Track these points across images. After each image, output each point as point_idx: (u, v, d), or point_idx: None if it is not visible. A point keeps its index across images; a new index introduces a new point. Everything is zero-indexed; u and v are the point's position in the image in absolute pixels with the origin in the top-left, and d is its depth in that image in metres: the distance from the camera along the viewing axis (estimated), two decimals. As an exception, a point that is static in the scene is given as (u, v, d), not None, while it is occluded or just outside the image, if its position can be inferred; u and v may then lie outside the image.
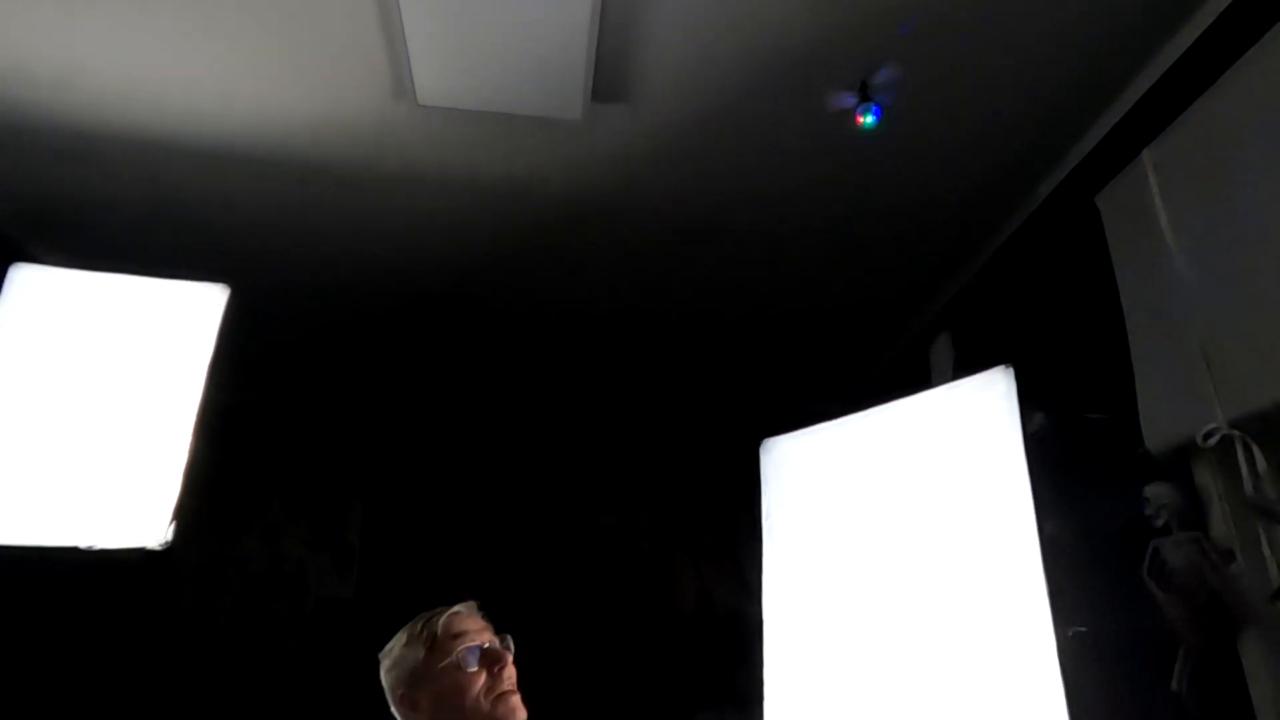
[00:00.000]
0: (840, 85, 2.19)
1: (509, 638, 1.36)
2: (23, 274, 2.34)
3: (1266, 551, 1.81)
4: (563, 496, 4.35)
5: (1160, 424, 2.00)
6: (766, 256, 3.00)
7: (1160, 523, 2.00)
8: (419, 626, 1.34)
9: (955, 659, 1.74)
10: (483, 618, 1.37)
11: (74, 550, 2.19)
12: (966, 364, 2.50)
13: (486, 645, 1.30)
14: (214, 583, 4.04)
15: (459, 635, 1.30)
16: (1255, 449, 1.79)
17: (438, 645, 1.29)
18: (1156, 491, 2.01)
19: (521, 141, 2.43)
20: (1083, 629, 1.97)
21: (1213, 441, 1.84)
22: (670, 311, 3.44)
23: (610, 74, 2.18)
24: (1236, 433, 1.81)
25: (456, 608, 1.36)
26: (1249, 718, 1.79)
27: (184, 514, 2.24)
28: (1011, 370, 1.73)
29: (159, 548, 2.17)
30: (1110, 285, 2.18)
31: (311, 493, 4.19)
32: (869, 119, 2.12)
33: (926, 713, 1.74)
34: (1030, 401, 1.96)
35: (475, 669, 1.28)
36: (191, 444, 2.25)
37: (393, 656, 1.34)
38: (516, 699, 1.30)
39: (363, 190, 2.66)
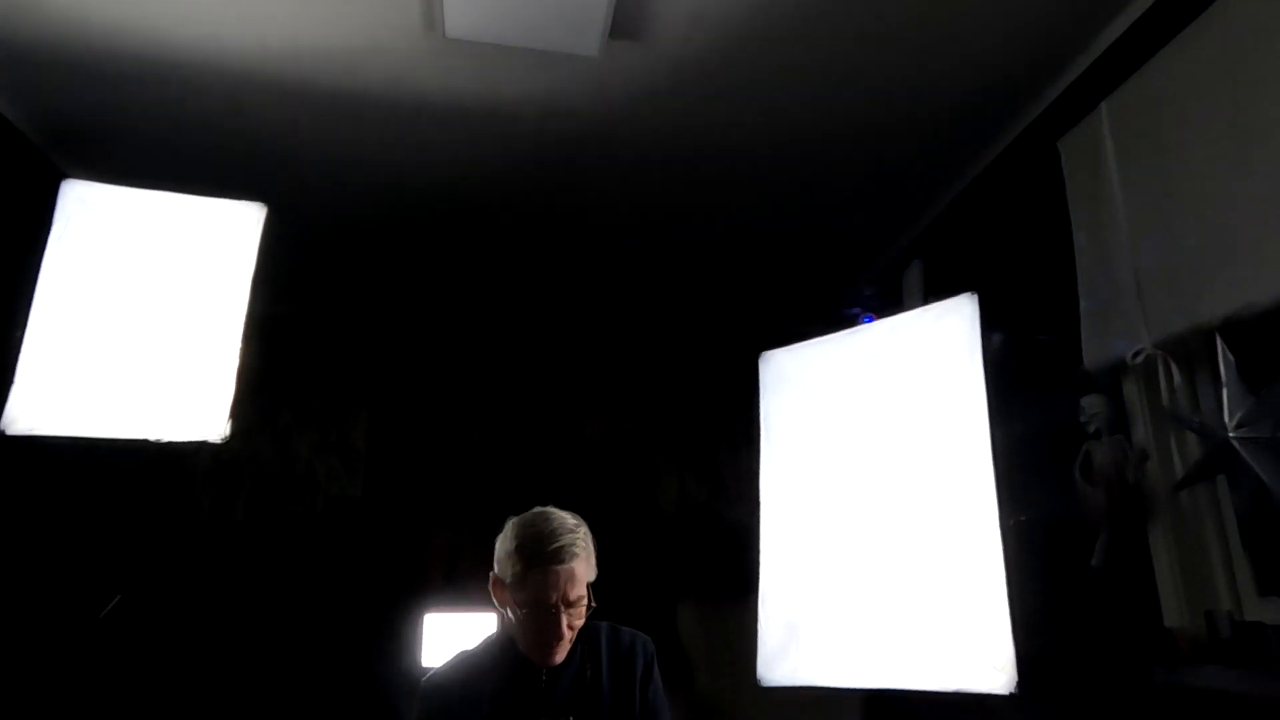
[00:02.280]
0: (837, 29, 2.39)
1: (585, 596, 1.48)
2: (74, 190, 2.50)
3: (1175, 452, 2.16)
4: (554, 406, 4.64)
5: (1097, 345, 2.33)
6: (758, 187, 3.24)
7: (1092, 429, 2.36)
8: (517, 555, 1.47)
9: (921, 544, 2.06)
10: (565, 552, 1.47)
11: (132, 443, 2.42)
12: (935, 290, 2.79)
13: (548, 606, 1.45)
14: (228, 482, 4.30)
15: (535, 589, 1.45)
16: (1174, 367, 2.12)
17: (518, 581, 1.47)
18: (1090, 402, 2.36)
19: (539, 74, 2.61)
20: (1023, 517, 2.34)
21: (1139, 360, 2.17)
22: (664, 233, 3.68)
23: (627, 14, 2.36)
24: (1160, 353, 2.14)
25: (550, 559, 1.45)
26: (1151, 586, 2.17)
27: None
28: (976, 297, 2.01)
29: (219, 441, 2.42)
30: (1064, 222, 2.47)
31: (319, 399, 4.44)
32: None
33: (897, 590, 2.07)
34: (990, 323, 2.27)
35: (531, 620, 1.47)
36: (241, 349, 2.48)
37: (499, 548, 1.54)
38: (557, 647, 1.47)
39: (383, 115, 2.82)
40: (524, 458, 4.48)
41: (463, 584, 3.78)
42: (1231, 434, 1.86)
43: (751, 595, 2.39)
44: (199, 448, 3.50)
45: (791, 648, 2.06)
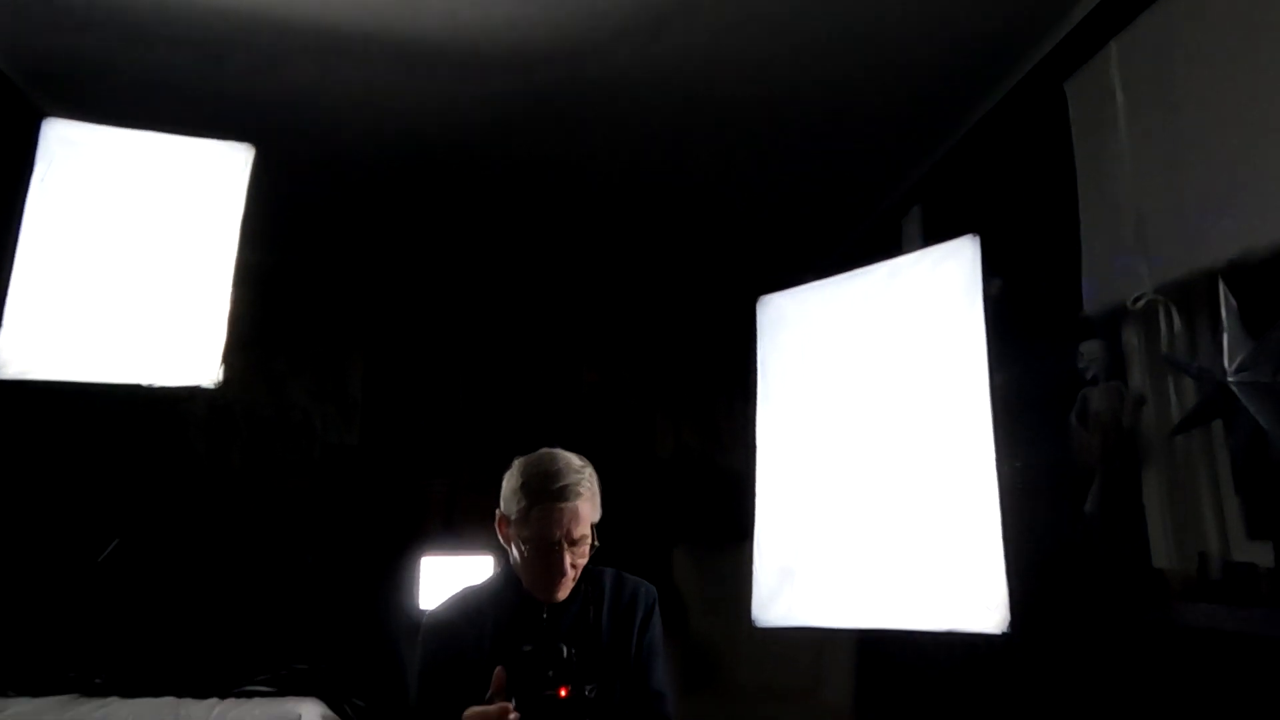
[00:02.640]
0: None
1: (588, 536, 1.50)
2: (57, 129, 2.44)
3: (1173, 397, 2.16)
4: (550, 355, 4.63)
5: (1098, 290, 2.31)
6: (756, 130, 3.18)
7: (1090, 375, 2.35)
8: (522, 492, 1.49)
9: (916, 486, 2.07)
10: (569, 491, 1.47)
11: (125, 388, 2.41)
12: (935, 236, 2.76)
13: (551, 543, 1.47)
14: (224, 430, 4.30)
15: (538, 526, 1.46)
16: (1174, 312, 2.11)
17: (522, 517, 1.49)
18: (1089, 348, 2.35)
19: (536, 13, 2.53)
20: (1018, 462, 2.34)
21: (1140, 305, 2.15)
22: (661, 180, 3.63)
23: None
24: (1160, 298, 2.13)
25: (555, 496, 1.46)
26: (1142, 530, 2.19)
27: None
28: (977, 239, 1.98)
29: (212, 386, 2.41)
30: (1068, 167, 2.43)
31: (314, 347, 4.42)
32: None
33: (892, 532, 2.08)
34: (990, 268, 2.25)
35: (534, 556, 1.49)
36: (233, 295, 2.45)
37: (505, 485, 1.55)
38: (560, 584, 1.49)
39: (372, 57, 2.75)
40: (521, 406, 4.48)
41: (461, 530, 3.80)
42: (1230, 378, 1.86)
43: (746, 542, 2.42)
44: (192, 394, 3.47)
45: (786, 589, 2.08)
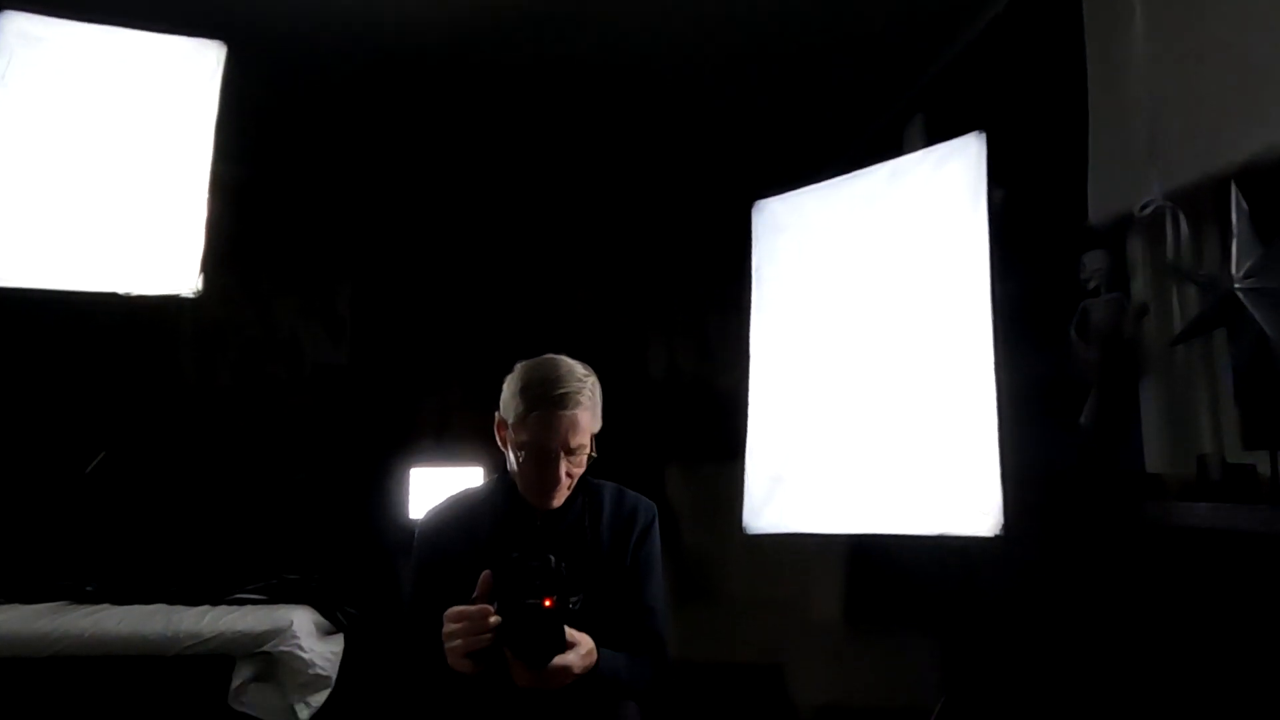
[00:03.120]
0: None
1: (586, 445, 1.47)
2: (15, 23, 2.31)
3: (1175, 307, 2.12)
4: (542, 273, 4.55)
5: (1104, 198, 2.24)
6: (752, 29, 3.04)
7: (1092, 285, 2.30)
8: (522, 397, 1.45)
9: (913, 393, 2.04)
10: (569, 399, 1.44)
11: (108, 301, 2.34)
12: (938, 142, 2.66)
13: (548, 450, 1.44)
14: (211, 348, 4.24)
15: (536, 433, 1.43)
16: (1182, 218, 2.05)
17: (520, 422, 1.45)
18: (1092, 258, 2.29)
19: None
20: (1017, 373, 2.31)
21: (1147, 212, 2.08)
22: (657, 87, 3.49)
23: None
24: (1169, 205, 2.06)
25: (554, 403, 1.43)
26: (1137, 444, 2.18)
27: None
28: (983, 136, 1.90)
29: (192, 296, 2.34)
30: (1079, 75, 2.32)
31: (299, 264, 4.32)
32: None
33: (886, 439, 2.06)
34: (994, 177, 2.17)
35: (531, 463, 1.46)
36: (210, 201, 2.36)
37: (505, 388, 1.51)
38: (555, 492, 1.46)
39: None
40: (512, 323, 4.41)
41: (451, 446, 3.79)
42: (1237, 285, 1.81)
43: (738, 458, 2.40)
44: (177, 308, 3.41)
45: (778, 495, 2.07)
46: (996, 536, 1.71)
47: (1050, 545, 2.02)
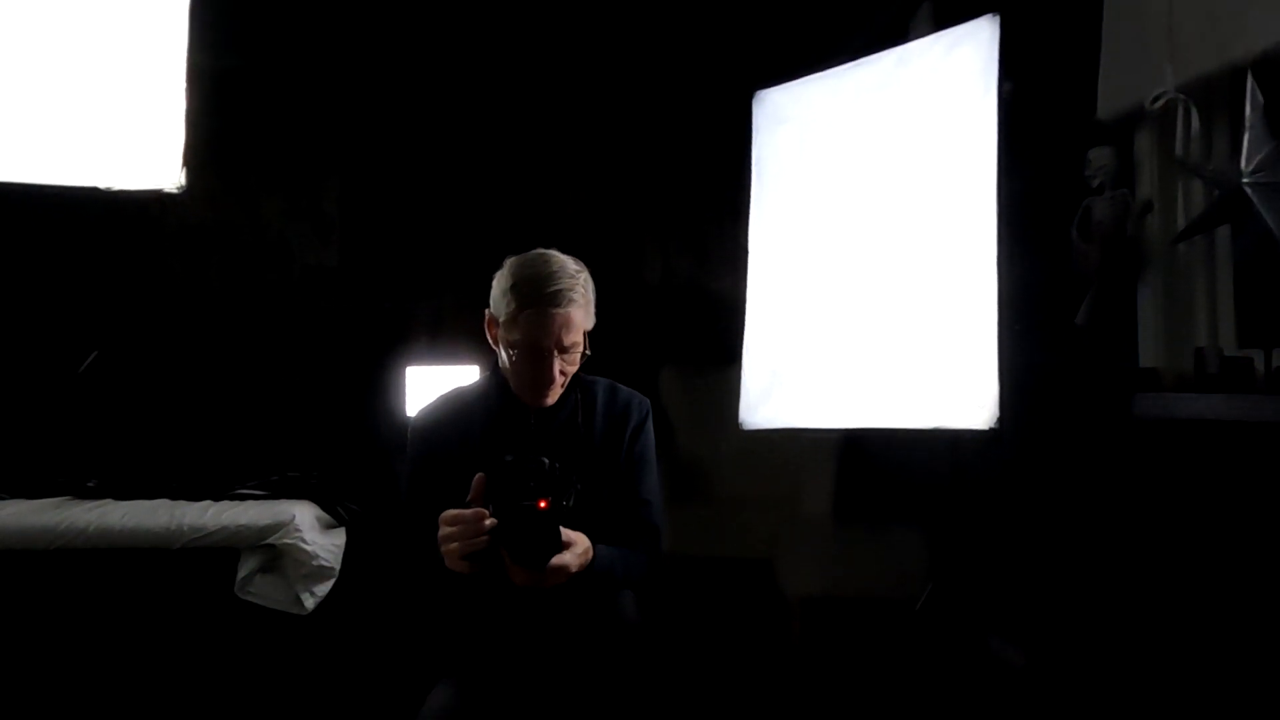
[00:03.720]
0: None
1: (579, 343, 1.44)
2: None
3: (1181, 204, 2.09)
4: (534, 168, 4.44)
5: (1115, 91, 2.17)
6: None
7: (1096, 183, 2.26)
8: (513, 294, 1.41)
9: (913, 288, 2.02)
10: (562, 296, 1.40)
11: (88, 191, 2.28)
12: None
13: (540, 349, 1.41)
14: (199, 248, 4.16)
15: (528, 331, 1.40)
16: (1194, 111, 1.99)
17: (511, 320, 1.41)
18: (1098, 154, 2.24)
19: None
20: (1017, 269, 2.29)
21: (1158, 105, 2.03)
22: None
23: None
24: (1182, 97, 2.00)
25: (546, 301, 1.39)
26: (1132, 342, 2.18)
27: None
28: (997, 19, 1.82)
29: (175, 191, 2.28)
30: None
31: (285, 162, 4.20)
32: None
33: (883, 334, 2.05)
34: (1003, 69, 2.09)
35: (523, 361, 1.43)
36: (188, 93, 2.28)
37: (495, 285, 1.47)
38: (548, 391, 1.44)
39: None
40: (505, 218, 4.33)
41: (446, 345, 3.78)
42: (1245, 179, 1.78)
43: (734, 363, 2.38)
44: (161, 205, 3.33)
45: (774, 391, 2.08)
46: (989, 429, 1.73)
47: (1040, 438, 2.04)
